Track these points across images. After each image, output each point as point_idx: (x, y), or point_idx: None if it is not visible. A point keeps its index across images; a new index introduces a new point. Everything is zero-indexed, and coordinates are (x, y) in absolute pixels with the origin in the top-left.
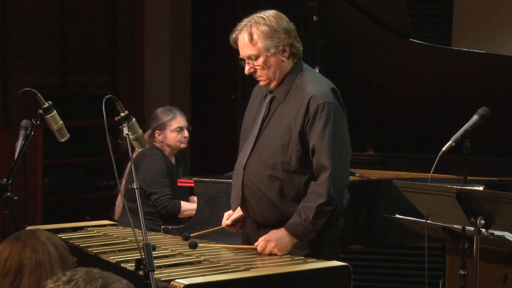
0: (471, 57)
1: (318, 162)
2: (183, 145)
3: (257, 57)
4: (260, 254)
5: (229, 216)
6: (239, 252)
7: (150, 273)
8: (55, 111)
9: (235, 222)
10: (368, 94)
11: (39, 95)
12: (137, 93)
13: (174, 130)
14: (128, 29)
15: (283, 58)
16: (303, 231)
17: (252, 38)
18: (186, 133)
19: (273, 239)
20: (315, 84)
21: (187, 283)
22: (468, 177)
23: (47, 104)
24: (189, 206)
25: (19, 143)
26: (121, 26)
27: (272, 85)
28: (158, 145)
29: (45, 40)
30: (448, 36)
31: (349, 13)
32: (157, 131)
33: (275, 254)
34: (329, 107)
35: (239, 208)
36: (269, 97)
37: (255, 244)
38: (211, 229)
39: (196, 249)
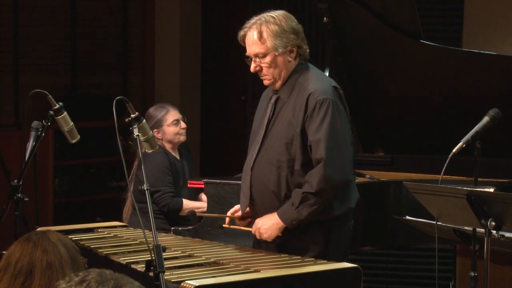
0: (481, 58)
1: (314, 156)
2: (182, 138)
3: (264, 55)
4: (270, 255)
5: (238, 210)
6: (249, 253)
7: (161, 274)
8: (65, 112)
9: (244, 217)
10: (379, 95)
11: (50, 96)
12: (148, 94)
13: (171, 124)
14: (139, 30)
15: (289, 59)
16: (289, 215)
17: (261, 36)
18: (183, 124)
19: (259, 222)
20: (316, 81)
21: (197, 284)
22: (479, 179)
23: (58, 105)
24: (191, 205)
25: (30, 144)
26: (131, 27)
27: (277, 84)
28: (158, 143)
29: (56, 41)
30: (459, 37)
31: (359, 14)
32: (155, 130)
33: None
34: (327, 103)
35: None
36: (274, 97)
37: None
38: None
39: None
